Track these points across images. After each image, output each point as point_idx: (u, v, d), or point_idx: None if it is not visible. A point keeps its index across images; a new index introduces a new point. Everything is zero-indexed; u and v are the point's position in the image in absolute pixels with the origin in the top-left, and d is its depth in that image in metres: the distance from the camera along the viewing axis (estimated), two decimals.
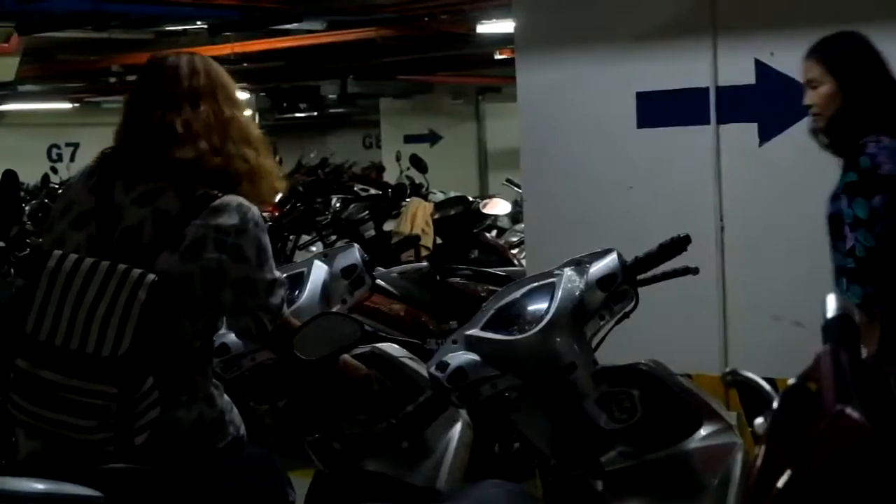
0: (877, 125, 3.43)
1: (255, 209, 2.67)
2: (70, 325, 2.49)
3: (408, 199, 10.09)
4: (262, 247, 2.66)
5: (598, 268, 2.54)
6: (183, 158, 2.64)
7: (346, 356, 2.89)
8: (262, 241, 2.66)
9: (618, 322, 2.62)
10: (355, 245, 3.31)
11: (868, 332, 3.26)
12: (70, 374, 2.48)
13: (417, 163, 11.67)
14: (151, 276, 2.50)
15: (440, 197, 10.08)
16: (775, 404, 1.31)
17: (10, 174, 9.11)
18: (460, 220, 7.72)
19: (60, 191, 11.34)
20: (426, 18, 10.33)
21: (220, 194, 2.64)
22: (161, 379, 2.54)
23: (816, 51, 3.57)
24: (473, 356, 2.47)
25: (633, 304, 2.58)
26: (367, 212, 9.26)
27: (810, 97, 3.55)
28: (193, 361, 2.66)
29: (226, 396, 2.79)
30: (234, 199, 2.65)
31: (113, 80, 14.76)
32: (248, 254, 2.62)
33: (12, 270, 6.92)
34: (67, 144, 19.89)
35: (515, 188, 9.25)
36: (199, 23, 10.54)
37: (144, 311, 2.48)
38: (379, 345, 3.09)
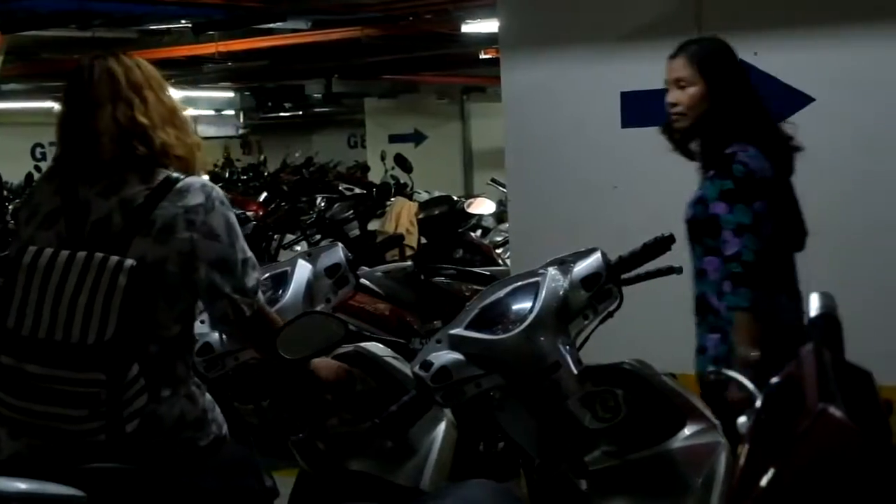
0: (739, 132, 3.46)
1: (217, 188, 2.73)
2: (52, 317, 2.49)
3: (392, 199, 10.09)
4: (230, 224, 2.69)
5: (582, 267, 2.54)
6: (148, 151, 2.67)
7: (318, 359, 2.88)
8: (230, 219, 2.69)
9: (602, 321, 2.62)
10: (339, 244, 3.30)
11: (756, 333, 3.33)
12: (57, 365, 2.48)
13: (402, 162, 11.66)
14: (130, 262, 2.52)
15: (425, 196, 10.07)
16: (758, 403, 1.31)
17: None
18: (445, 219, 7.72)
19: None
20: (411, 18, 10.33)
21: (181, 176, 2.68)
22: (145, 366, 2.55)
23: (689, 51, 3.55)
24: (457, 355, 2.47)
25: (617, 304, 2.58)
26: (351, 211, 9.25)
27: (676, 96, 3.53)
28: (173, 349, 2.66)
29: (208, 395, 2.78)
30: (195, 179, 2.69)
31: None
32: (218, 231, 2.65)
33: None
34: (51, 144, 19.69)
35: (500, 188, 9.26)
36: (183, 22, 10.52)
37: (127, 296, 2.49)
38: (363, 344, 3.08)
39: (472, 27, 10.17)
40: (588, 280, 2.52)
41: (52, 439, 2.55)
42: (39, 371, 2.49)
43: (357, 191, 11.36)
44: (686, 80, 3.51)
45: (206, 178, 2.78)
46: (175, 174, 2.67)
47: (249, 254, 2.74)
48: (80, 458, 2.54)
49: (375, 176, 14.46)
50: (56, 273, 2.52)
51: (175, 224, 2.61)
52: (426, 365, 2.48)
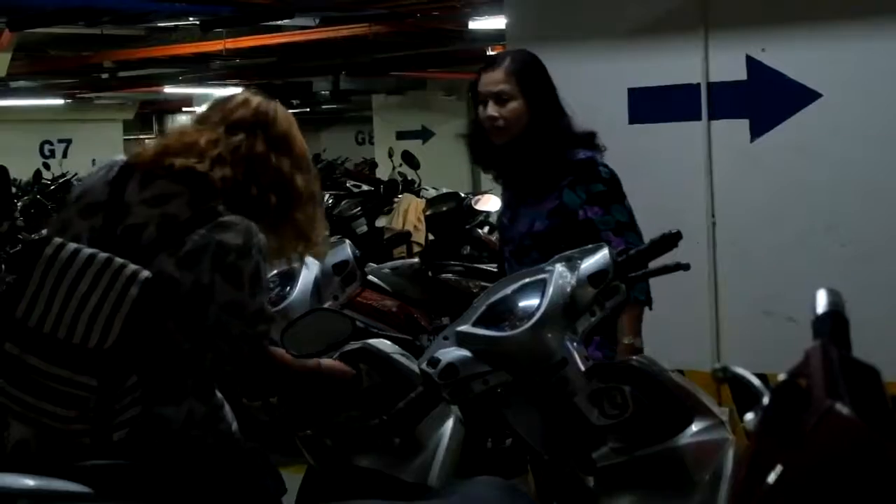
0: (576, 140, 3.45)
1: (262, 237, 2.65)
2: (60, 314, 2.50)
3: (400, 196, 10.10)
4: (258, 275, 2.63)
5: (589, 264, 2.53)
6: (194, 167, 2.64)
7: (327, 360, 2.88)
8: (259, 269, 2.64)
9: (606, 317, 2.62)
10: (347, 241, 3.31)
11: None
12: (55, 363, 2.49)
13: (409, 159, 11.68)
14: (146, 273, 2.50)
15: (432, 193, 10.07)
16: (766, 400, 1.31)
17: (1, 170, 9.10)
18: (452, 216, 7.72)
19: (71, 182, 11.20)
20: (419, 15, 10.33)
21: (230, 212, 2.62)
22: (146, 377, 2.54)
23: (506, 64, 3.48)
24: (464, 352, 2.47)
25: (623, 300, 2.58)
26: (359, 208, 9.25)
27: (496, 110, 3.44)
28: (185, 363, 2.65)
29: (218, 393, 2.78)
30: (244, 220, 2.62)
31: (105, 76, 14.75)
32: (242, 279, 2.60)
33: (3, 266, 6.92)
34: (60, 140, 19.86)
35: None
36: (191, 19, 10.53)
37: (134, 307, 2.48)
38: (370, 341, 3.08)
39: (479, 24, 10.18)
40: (595, 277, 2.51)
41: (41, 434, 2.56)
42: (38, 364, 2.50)
43: (365, 187, 11.37)
44: (507, 94, 3.44)
45: (263, 239, 2.67)
46: (226, 208, 2.63)
47: (268, 308, 2.70)
48: (71, 452, 2.54)
49: (383, 173, 14.48)
50: (73, 271, 2.51)
51: (203, 255, 2.58)
52: (433, 362, 2.48)
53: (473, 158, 3.66)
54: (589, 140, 3.49)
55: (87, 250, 2.54)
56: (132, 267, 2.50)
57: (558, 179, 3.43)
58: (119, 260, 2.51)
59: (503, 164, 3.58)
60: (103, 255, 2.52)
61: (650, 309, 3.38)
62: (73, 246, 2.55)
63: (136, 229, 2.61)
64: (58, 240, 2.58)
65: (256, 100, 2.79)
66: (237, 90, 2.81)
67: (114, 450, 2.54)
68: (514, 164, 3.54)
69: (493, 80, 3.47)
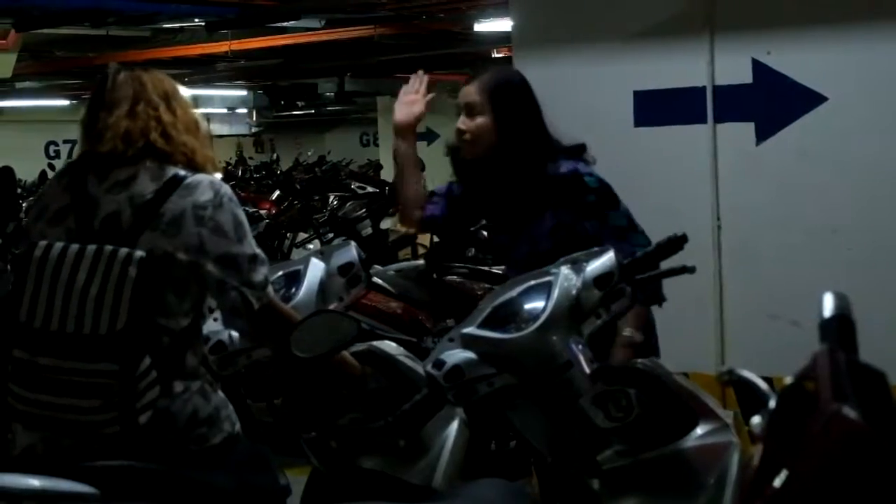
0: (527, 166, 3.40)
1: (226, 185, 2.76)
2: (64, 310, 2.51)
3: None
4: (239, 221, 2.71)
5: (594, 266, 2.53)
6: (166, 144, 2.73)
7: (345, 353, 2.89)
8: (238, 216, 2.72)
9: (613, 319, 2.62)
10: (352, 243, 3.31)
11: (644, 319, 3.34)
12: (69, 357, 2.50)
13: None
14: (140, 253, 2.54)
15: None
16: (772, 404, 1.31)
17: (7, 171, 9.11)
18: None
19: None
20: (424, 17, 10.34)
21: (189, 174, 2.71)
22: (157, 358, 2.56)
23: (482, 80, 3.46)
24: (470, 354, 2.47)
25: (628, 303, 2.58)
26: (364, 210, 9.25)
27: (465, 123, 3.44)
28: (182, 341, 2.67)
29: (221, 393, 2.79)
30: (204, 176, 2.73)
31: None
32: (226, 228, 2.67)
33: (9, 267, 6.92)
34: (65, 141, 19.90)
35: None
36: (196, 20, 10.54)
37: (137, 286, 2.51)
38: (375, 343, 3.09)
39: (484, 26, 10.18)
40: (601, 279, 2.51)
41: (66, 432, 2.57)
42: (52, 363, 2.51)
43: (370, 189, 11.36)
44: (475, 108, 3.42)
45: (217, 175, 2.82)
46: (183, 172, 2.71)
47: (258, 250, 2.76)
48: (94, 450, 2.55)
49: (388, 174, 14.46)
50: (67, 266, 2.54)
51: (183, 219, 2.64)
52: (438, 364, 2.48)
53: (454, 171, 3.62)
54: (573, 151, 3.45)
55: (75, 246, 2.57)
56: (124, 250, 2.54)
57: (544, 198, 3.39)
58: (109, 247, 2.55)
59: (476, 180, 3.55)
60: (92, 246, 2.55)
61: (659, 307, 3.36)
62: (60, 244, 2.58)
63: (112, 218, 2.65)
64: (43, 242, 2.60)
65: (160, 74, 2.91)
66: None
67: (141, 435, 2.55)
68: (484, 181, 3.50)
69: (466, 91, 3.47)
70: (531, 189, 3.41)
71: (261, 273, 2.73)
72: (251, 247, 2.73)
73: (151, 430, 2.57)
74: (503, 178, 3.44)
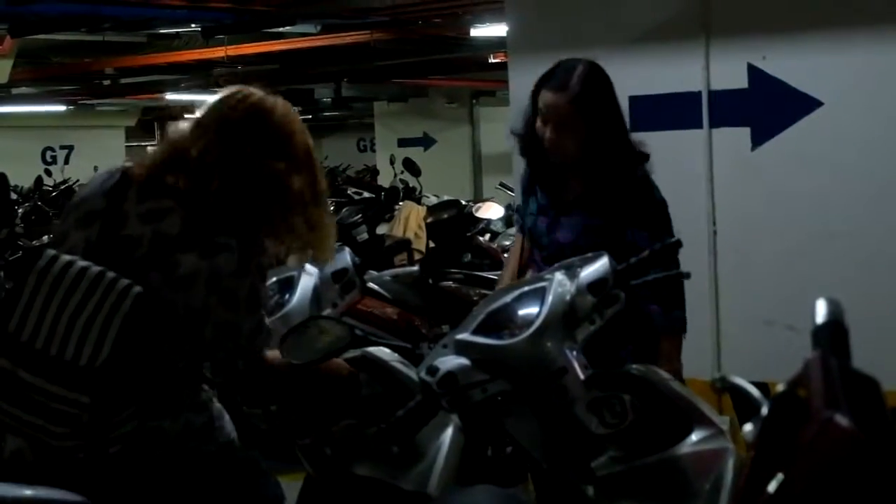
0: (634, 159, 3.43)
1: (260, 256, 2.60)
2: (52, 330, 2.47)
3: (401, 203, 10.09)
4: (255, 294, 2.59)
5: (588, 272, 2.53)
6: (185, 182, 2.58)
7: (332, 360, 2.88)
8: (256, 289, 2.59)
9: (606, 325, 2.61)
10: (346, 249, 3.31)
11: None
12: (47, 379, 2.46)
13: (411, 166, 11.67)
14: (137, 289, 2.46)
15: (433, 200, 10.07)
16: (764, 411, 1.30)
17: (1, 177, 9.10)
18: (453, 223, 7.72)
19: (72, 189, 11.18)
20: (420, 22, 10.34)
21: (225, 226, 2.56)
22: (140, 393, 2.52)
23: (569, 91, 3.37)
24: (464, 361, 2.46)
25: (621, 307, 2.57)
26: (360, 215, 9.25)
27: (556, 135, 3.38)
28: (180, 380, 2.63)
29: (216, 403, 2.77)
30: (240, 239, 2.56)
31: (107, 82, 14.77)
32: (238, 300, 2.56)
33: (2, 273, 6.92)
34: (62, 147, 19.88)
35: (509, 192, 9.26)
36: (192, 25, 10.54)
37: (126, 322, 2.44)
38: (369, 349, 3.08)
39: (480, 31, 10.18)
40: (595, 285, 2.51)
41: (35, 448, 2.54)
42: (31, 380, 2.47)
43: (366, 195, 11.37)
44: (564, 122, 3.37)
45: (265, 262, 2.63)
46: (220, 226, 2.55)
47: (264, 323, 2.66)
48: (67, 465, 2.52)
49: (385, 180, 14.48)
50: (65, 284, 2.48)
51: (196, 279, 2.53)
52: (432, 370, 2.47)
53: (523, 151, 3.58)
54: (643, 157, 3.47)
55: (80, 263, 2.50)
56: (124, 281, 2.46)
57: (612, 196, 3.40)
58: (111, 274, 2.47)
59: (556, 176, 3.53)
60: (96, 268, 2.48)
61: (684, 333, 3.39)
62: (65, 258, 2.51)
63: (130, 242, 2.57)
64: (51, 251, 2.55)
65: (252, 97, 2.65)
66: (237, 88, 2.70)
67: (109, 463, 2.52)
68: (567, 180, 3.50)
69: (557, 105, 3.38)
70: (605, 188, 3.40)
71: (258, 341, 2.65)
72: (258, 318, 2.62)
73: (135, 445, 2.54)
74: (585, 178, 3.43)
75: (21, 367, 2.48)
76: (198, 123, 2.64)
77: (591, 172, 3.43)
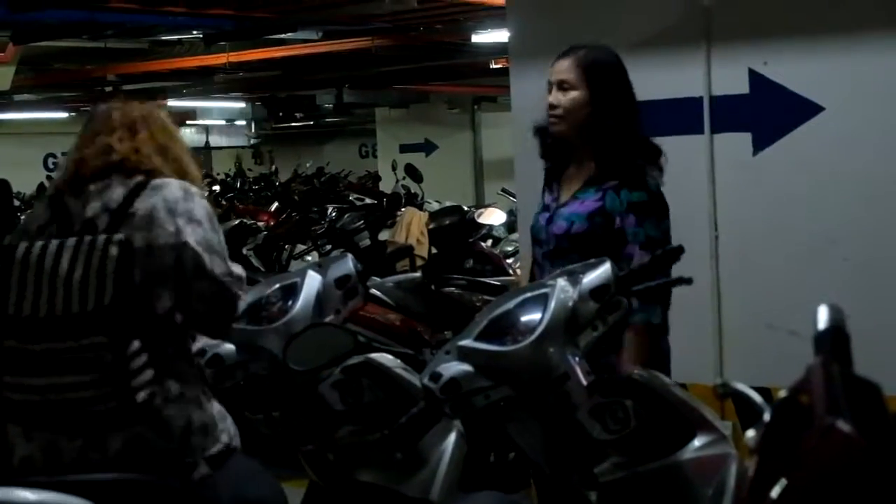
0: (637, 148, 3.41)
1: (195, 186, 2.89)
2: (51, 295, 2.59)
3: (403, 209, 10.10)
4: (210, 215, 2.84)
5: (591, 278, 2.53)
6: (111, 160, 2.85)
7: None
8: (209, 210, 2.85)
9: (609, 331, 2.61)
10: (349, 255, 3.30)
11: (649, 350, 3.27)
12: (60, 338, 2.58)
13: (413, 172, 11.68)
14: (119, 236, 2.65)
15: (435, 206, 10.08)
16: (766, 417, 1.30)
17: (3, 184, 9.11)
18: (455, 229, 7.73)
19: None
20: (421, 28, 10.35)
21: (158, 180, 2.84)
22: (147, 340, 2.64)
23: (577, 55, 3.45)
24: (466, 367, 2.46)
25: (624, 314, 2.57)
26: (362, 221, 9.27)
27: (557, 98, 3.44)
28: (167, 330, 2.75)
29: (216, 404, 2.80)
30: (172, 179, 2.86)
31: (109, 89, 14.76)
32: (199, 217, 2.79)
33: None
34: (64, 154, 19.84)
35: (511, 198, 9.26)
36: (194, 32, 10.55)
37: (120, 263, 2.61)
38: (372, 355, 3.08)
39: (482, 37, 10.19)
40: (597, 291, 2.51)
41: (66, 412, 2.59)
42: (45, 347, 2.58)
43: (368, 201, 11.39)
44: (569, 82, 3.42)
45: (198, 190, 2.94)
46: (148, 177, 2.84)
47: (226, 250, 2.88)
48: (96, 429, 2.60)
49: (386, 186, 14.48)
50: (49, 259, 2.63)
51: (156, 213, 2.75)
52: (435, 376, 2.47)
53: (541, 150, 3.61)
54: (652, 154, 3.44)
55: (55, 241, 2.67)
56: (103, 236, 2.65)
57: (606, 180, 3.39)
58: (88, 236, 2.66)
59: (548, 154, 3.56)
60: (72, 238, 2.66)
61: (666, 335, 3.34)
62: (40, 243, 2.68)
63: (89, 223, 2.76)
64: (24, 243, 2.70)
65: (131, 104, 3.04)
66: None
67: (139, 414, 2.61)
68: (565, 155, 3.51)
69: (560, 67, 3.46)
70: (602, 167, 3.39)
71: (238, 267, 2.86)
72: (223, 241, 2.85)
73: (149, 410, 2.61)
74: (584, 151, 3.43)
75: (31, 342, 2.59)
76: (95, 129, 2.97)
77: (595, 149, 3.42)
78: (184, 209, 2.78)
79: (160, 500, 2.59)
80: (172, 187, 2.82)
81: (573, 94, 3.42)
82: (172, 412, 2.66)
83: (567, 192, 3.49)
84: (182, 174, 2.92)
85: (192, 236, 2.75)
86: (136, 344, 2.61)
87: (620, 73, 3.49)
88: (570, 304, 2.49)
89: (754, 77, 4.88)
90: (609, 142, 3.40)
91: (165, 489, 2.60)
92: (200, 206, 2.83)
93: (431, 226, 8.13)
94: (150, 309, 2.70)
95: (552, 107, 3.46)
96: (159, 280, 2.72)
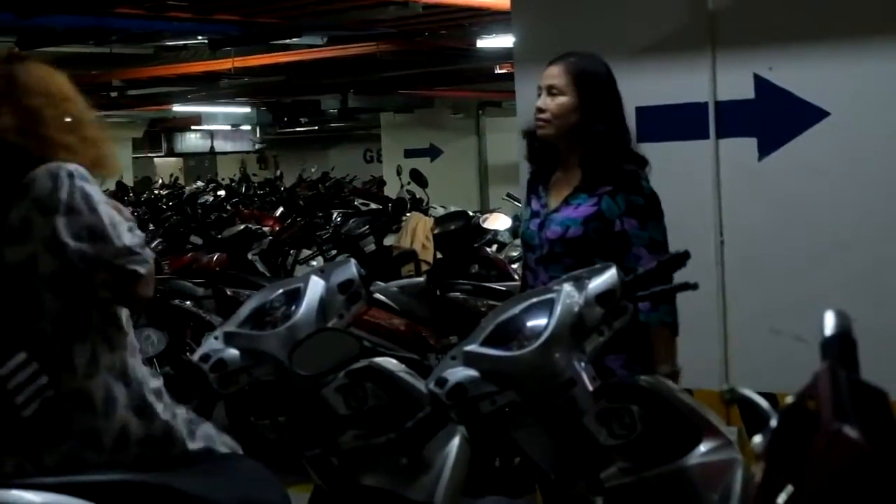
0: (626, 154, 3.44)
1: (66, 165, 2.63)
2: None
3: (408, 214, 10.10)
4: (86, 195, 2.60)
5: (597, 284, 2.53)
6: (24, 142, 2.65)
7: None
8: (85, 190, 2.61)
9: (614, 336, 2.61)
10: (352, 260, 3.30)
11: (675, 348, 3.34)
12: None
13: (418, 177, 11.67)
14: None
15: (440, 211, 10.08)
16: (773, 423, 1.30)
17: None
18: (460, 234, 7.72)
19: None
20: (426, 33, 10.37)
21: (27, 172, 2.61)
22: (36, 351, 2.55)
23: (568, 61, 3.49)
24: (472, 372, 2.46)
25: (629, 319, 2.57)
26: (367, 226, 9.26)
27: (545, 102, 3.46)
28: (67, 331, 2.61)
29: (181, 412, 2.75)
30: (40, 168, 2.61)
31: (114, 94, 14.80)
32: (74, 205, 2.58)
33: None
34: None
35: (516, 203, 9.26)
36: (199, 38, 10.58)
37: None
38: (377, 359, 3.08)
39: (487, 42, 10.20)
40: (603, 297, 2.51)
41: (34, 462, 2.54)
42: None
43: (373, 206, 11.39)
44: (558, 88, 3.45)
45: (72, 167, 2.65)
46: (21, 171, 2.61)
47: (118, 217, 2.66)
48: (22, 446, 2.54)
49: (391, 191, 14.48)
50: None
51: (31, 218, 2.57)
52: (441, 382, 2.47)
53: (528, 155, 3.64)
54: (639, 160, 3.49)
55: None
56: None
57: (599, 185, 3.41)
58: None
59: (536, 158, 3.59)
60: None
61: (676, 335, 3.36)
62: None
63: None
64: None
65: (16, 67, 2.87)
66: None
67: (26, 425, 2.53)
68: (552, 160, 3.53)
69: (550, 73, 3.49)
70: (593, 174, 3.42)
71: (130, 236, 2.64)
72: (108, 215, 2.62)
73: (41, 420, 2.54)
74: (572, 157, 3.46)
75: None
76: None
77: (583, 156, 3.44)
78: (56, 202, 2.56)
79: (160, 500, 2.59)
80: (40, 180, 2.58)
81: (562, 99, 3.44)
82: (101, 425, 2.59)
83: (557, 198, 3.50)
84: (60, 146, 2.67)
85: (69, 234, 2.55)
86: (19, 357, 2.52)
87: (609, 81, 3.52)
88: (576, 309, 2.49)
89: (759, 82, 4.88)
90: (598, 148, 3.42)
91: (166, 489, 2.59)
92: (73, 190, 2.58)
93: (436, 231, 8.13)
94: (44, 318, 2.57)
95: (540, 110, 3.48)
96: (51, 286, 2.58)
